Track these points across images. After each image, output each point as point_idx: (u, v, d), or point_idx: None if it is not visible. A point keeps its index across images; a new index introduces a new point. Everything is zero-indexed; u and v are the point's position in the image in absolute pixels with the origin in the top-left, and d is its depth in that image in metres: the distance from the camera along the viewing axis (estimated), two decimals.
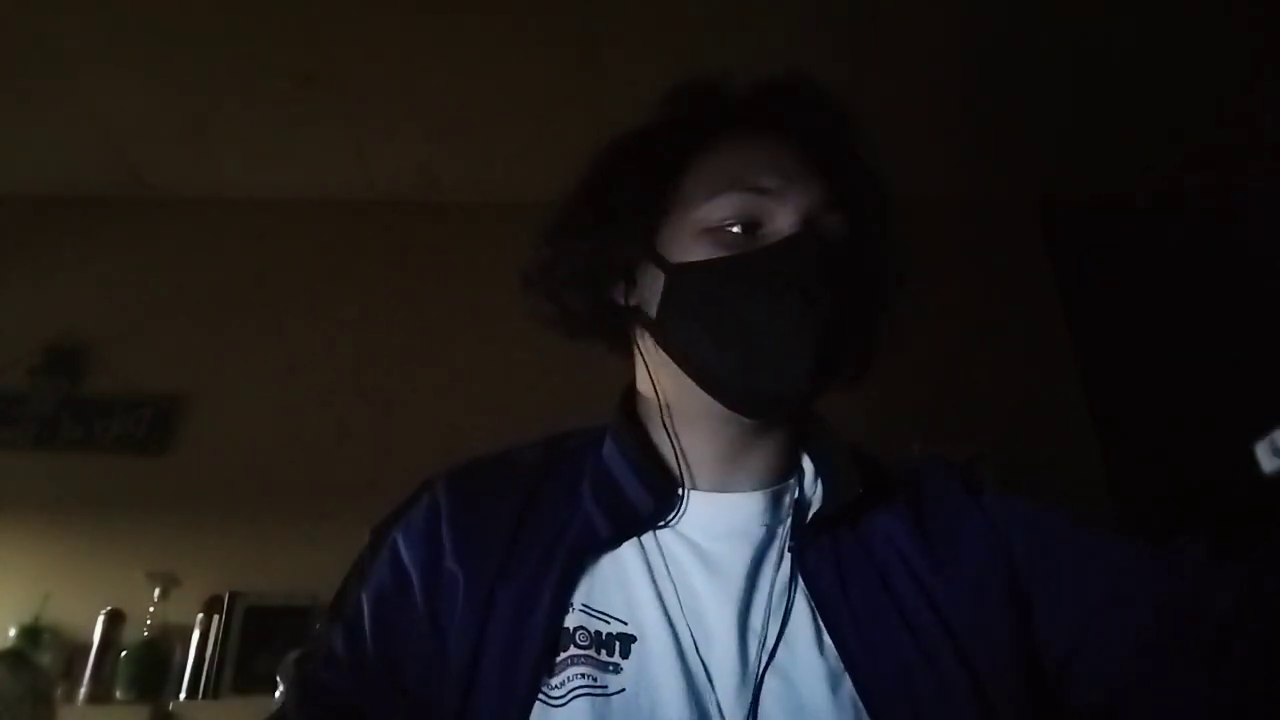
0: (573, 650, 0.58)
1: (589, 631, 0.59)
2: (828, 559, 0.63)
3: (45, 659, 1.88)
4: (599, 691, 0.56)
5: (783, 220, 0.65)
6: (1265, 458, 0.39)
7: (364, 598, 0.65)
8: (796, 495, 0.68)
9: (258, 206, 2.58)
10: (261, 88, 2.22)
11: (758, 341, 0.62)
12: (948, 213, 2.65)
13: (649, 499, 0.65)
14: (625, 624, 0.60)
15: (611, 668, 0.58)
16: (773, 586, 0.62)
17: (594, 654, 0.58)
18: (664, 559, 0.63)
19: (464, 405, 2.29)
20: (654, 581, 0.62)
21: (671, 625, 0.60)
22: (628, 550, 0.64)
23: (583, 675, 0.57)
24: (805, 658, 0.59)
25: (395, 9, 2.02)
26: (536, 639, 0.58)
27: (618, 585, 0.62)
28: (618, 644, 0.59)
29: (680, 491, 0.66)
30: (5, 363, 2.30)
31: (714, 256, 0.64)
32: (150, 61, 2.13)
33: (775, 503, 0.67)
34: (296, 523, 2.09)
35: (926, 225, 2.61)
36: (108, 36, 2.06)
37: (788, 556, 0.64)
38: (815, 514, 0.65)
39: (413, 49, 2.13)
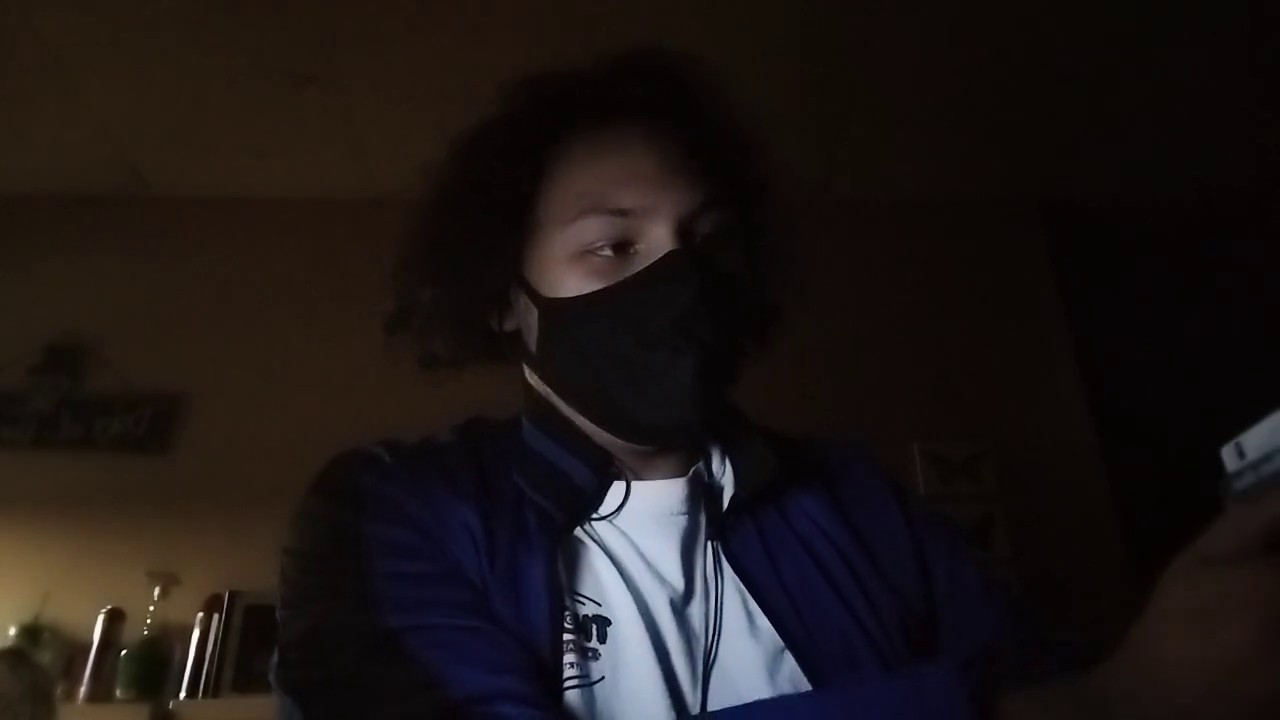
0: (565, 636, 0.55)
1: (574, 615, 0.56)
2: (753, 539, 0.63)
3: (45, 658, 1.88)
4: (584, 682, 0.54)
5: (655, 237, 0.61)
6: (1229, 459, 0.39)
7: (374, 563, 0.56)
8: (707, 479, 0.66)
9: (258, 206, 2.58)
10: (261, 87, 2.22)
11: (638, 378, 0.59)
12: (948, 214, 2.65)
13: (590, 475, 0.62)
14: (599, 605, 0.58)
15: (592, 654, 0.56)
16: (705, 577, 0.61)
17: (580, 639, 0.56)
18: (606, 550, 0.61)
19: (464, 404, 2.29)
20: (614, 564, 0.60)
21: (637, 606, 0.58)
22: (581, 535, 0.61)
23: (572, 665, 0.55)
24: (740, 648, 0.58)
25: (395, 9, 2.02)
26: (543, 619, 0.55)
27: (585, 567, 0.59)
28: (594, 627, 0.57)
29: (614, 468, 0.63)
30: (5, 362, 2.30)
31: (585, 290, 0.61)
32: (150, 61, 2.13)
33: (695, 489, 0.64)
34: None
35: (928, 226, 2.64)
36: (108, 36, 2.06)
37: (713, 544, 0.62)
38: (732, 498, 0.63)
39: (413, 49, 2.13)
